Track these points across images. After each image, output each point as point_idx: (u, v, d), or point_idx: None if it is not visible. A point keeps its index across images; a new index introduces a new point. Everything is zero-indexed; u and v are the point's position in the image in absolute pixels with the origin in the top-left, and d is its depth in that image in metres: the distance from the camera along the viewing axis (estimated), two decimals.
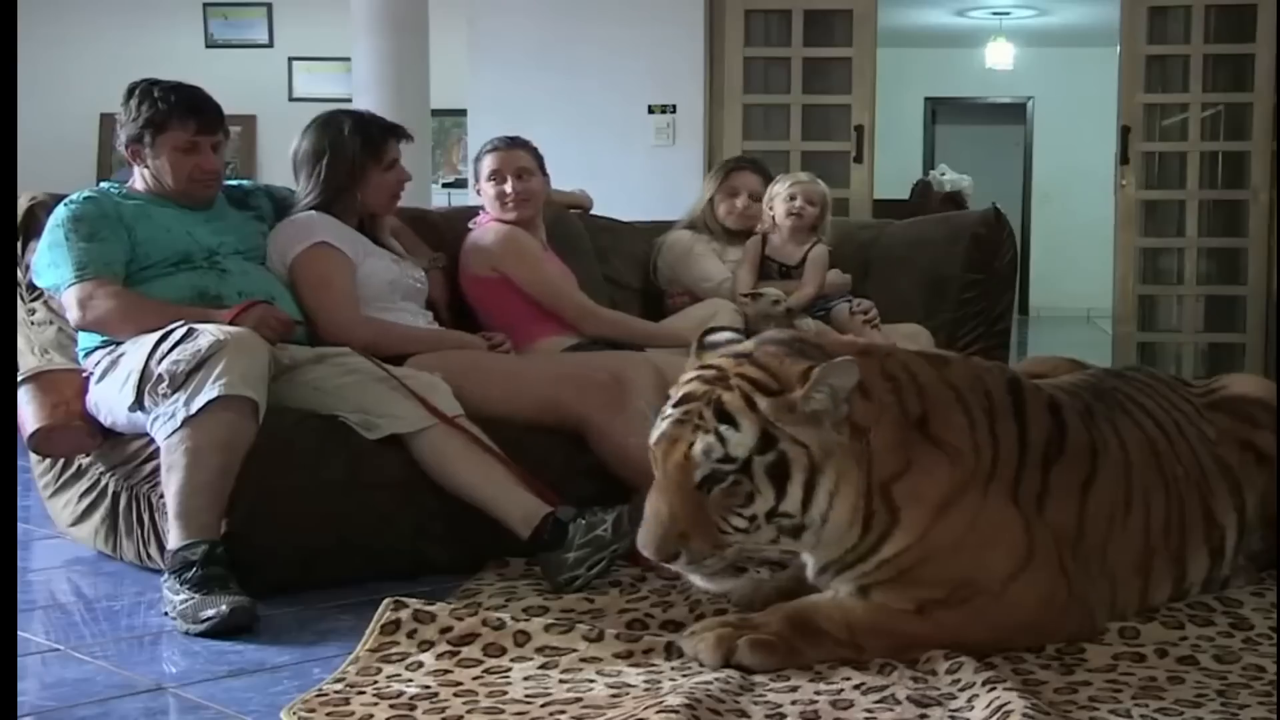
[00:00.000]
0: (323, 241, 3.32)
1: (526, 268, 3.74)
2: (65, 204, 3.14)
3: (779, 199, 4.35)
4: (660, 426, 2.25)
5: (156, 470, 2.86)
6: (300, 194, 3.43)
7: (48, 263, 3.10)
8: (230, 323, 2.92)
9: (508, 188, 3.76)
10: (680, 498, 2.19)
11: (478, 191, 3.87)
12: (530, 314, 3.72)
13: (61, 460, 3.24)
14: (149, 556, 3.02)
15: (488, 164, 3.80)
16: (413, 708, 2.09)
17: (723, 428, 2.20)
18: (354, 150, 3.39)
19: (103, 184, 3.32)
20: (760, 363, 2.27)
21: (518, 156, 3.80)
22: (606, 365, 3.38)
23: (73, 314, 3.06)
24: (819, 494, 2.22)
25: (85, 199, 3.15)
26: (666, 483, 2.22)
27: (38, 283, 3.19)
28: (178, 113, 3.16)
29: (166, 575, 2.71)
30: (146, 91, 3.18)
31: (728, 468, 2.19)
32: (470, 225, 3.87)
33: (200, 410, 2.73)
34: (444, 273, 3.77)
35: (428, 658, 2.31)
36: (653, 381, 3.31)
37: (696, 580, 2.27)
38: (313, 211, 3.38)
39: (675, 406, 2.26)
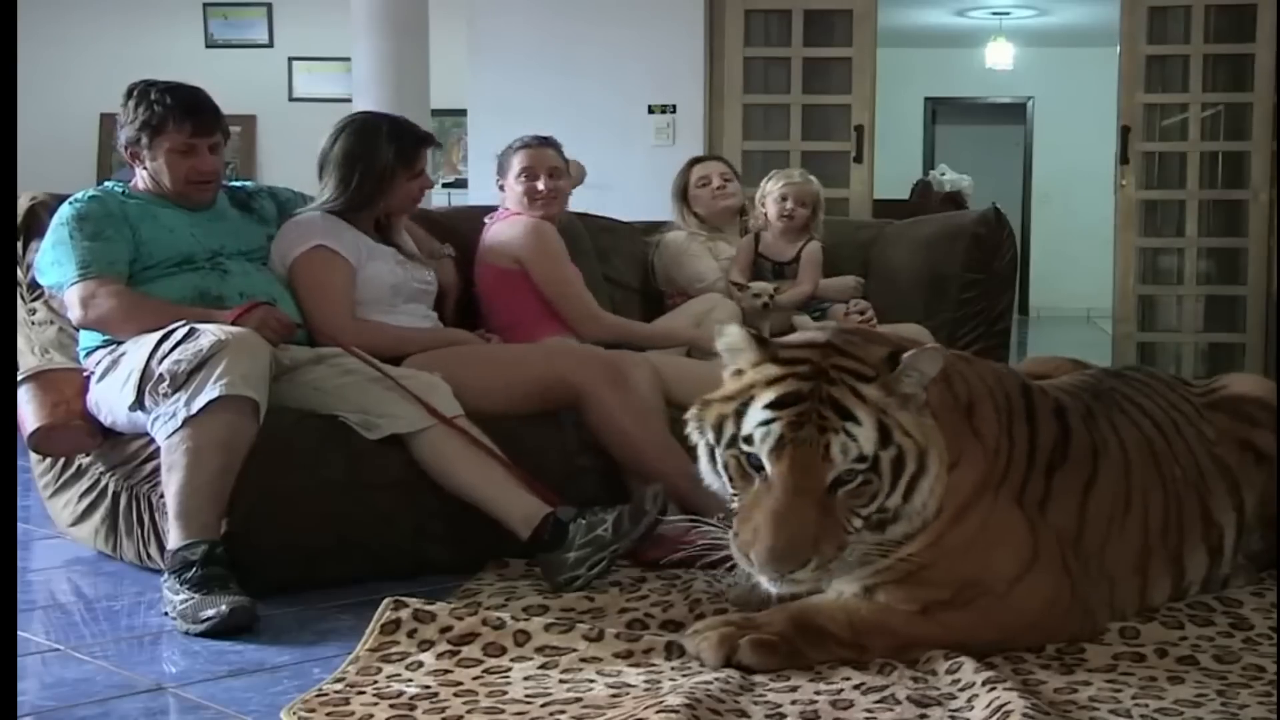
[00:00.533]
0: (321, 245, 3.31)
1: (550, 263, 3.75)
2: (70, 202, 3.14)
3: (771, 198, 4.37)
4: (771, 431, 2.14)
5: (156, 470, 2.86)
6: (323, 193, 3.42)
7: (51, 260, 3.10)
8: (232, 323, 2.92)
9: (540, 185, 3.79)
10: (813, 502, 2.12)
11: (501, 187, 3.87)
12: (538, 312, 3.73)
13: (61, 460, 3.24)
14: (149, 556, 3.02)
15: (519, 161, 3.82)
16: (413, 708, 2.09)
17: (848, 425, 2.14)
18: (388, 159, 3.38)
19: (107, 183, 3.32)
20: (845, 350, 2.23)
21: (550, 155, 3.85)
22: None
23: (75, 312, 3.06)
24: (923, 484, 2.19)
25: (90, 198, 3.15)
26: (797, 487, 2.11)
27: (41, 280, 3.18)
28: (174, 115, 3.15)
29: (166, 575, 2.71)
30: (144, 93, 3.18)
31: (860, 466, 2.14)
32: (486, 220, 3.87)
33: (201, 410, 2.73)
34: (455, 262, 3.77)
35: (428, 657, 2.31)
36: (650, 381, 3.32)
37: (784, 588, 2.18)
38: (316, 213, 3.38)
39: (776, 409, 2.15)
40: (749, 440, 2.17)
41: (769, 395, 2.18)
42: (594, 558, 2.75)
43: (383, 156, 3.38)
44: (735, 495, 2.22)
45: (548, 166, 3.81)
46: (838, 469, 2.13)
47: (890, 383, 2.18)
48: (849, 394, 2.16)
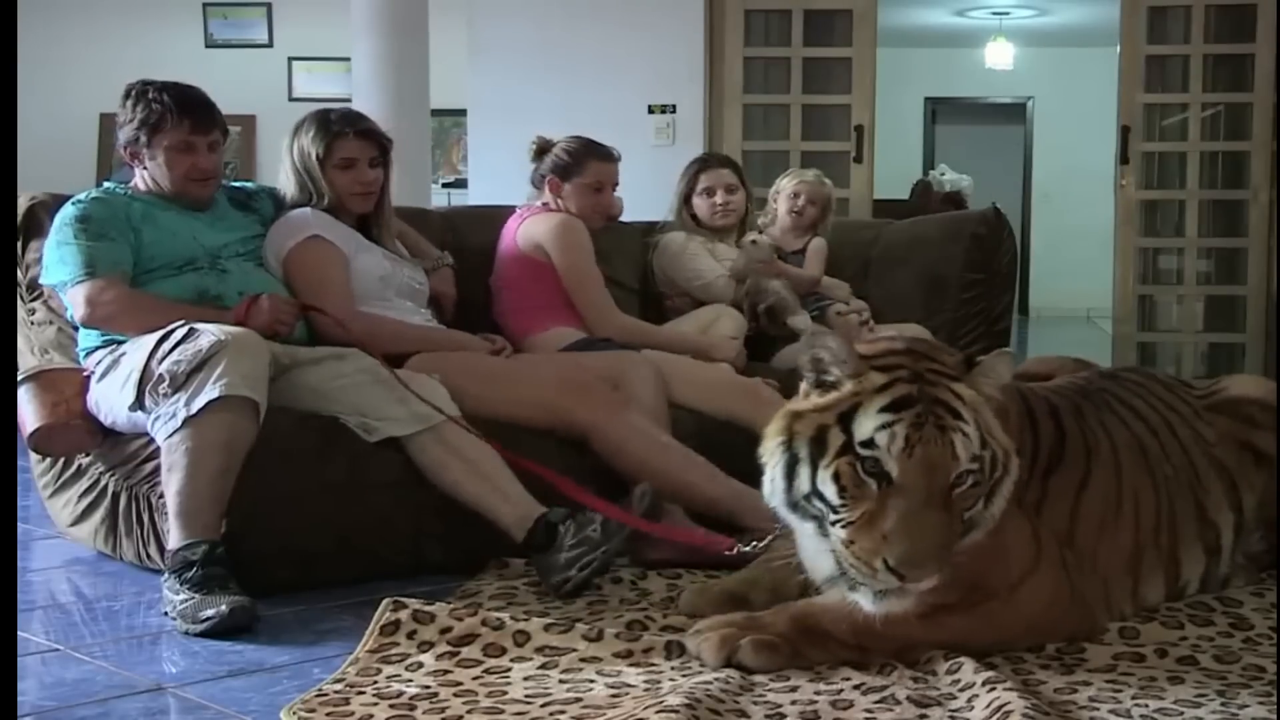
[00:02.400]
0: (316, 235, 3.33)
1: (574, 255, 3.77)
2: (73, 202, 3.14)
3: (784, 194, 4.45)
4: (896, 433, 2.08)
5: (156, 470, 2.86)
6: (286, 194, 3.46)
7: (56, 259, 3.09)
8: (243, 318, 2.97)
9: (610, 203, 3.91)
10: (942, 504, 2.09)
11: (545, 183, 3.85)
12: (552, 301, 3.75)
13: (61, 460, 3.24)
14: (149, 556, 3.02)
15: (594, 173, 3.85)
16: (413, 708, 2.09)
17: (960, 424, 2.12)
18: (306, 149, 3.40)
19: (107, 184, 3.31)
20: (927, 355, 2.23)
21: (617, 170, 3.93)
22: (605, 365, 3.38)
23: (80, 310, 3.06)
24: (1003, 489, 2.19)
25: (93, 199, 3.16)
26: (928, 489, 2.08)
27: (45, 280, 3.17)
28: (171, 112, 3.16)
29: (166, 575, 2.71)
30: (141, 93, 3.19)
31: (974, 466, 2.12)
32: (519, 212, 3.87)
33: (201, 410, 2.73)
34: (453, 270, 3.76)
35: (427, 658, 2.31)
36: (652, 381, 3.32)
37: (886, 606, 2.12)
38: (307, 209, 3.39)
39: (893, 411, 2.10)
40: (869, 444, 2.10)
41: (882, 400, 2.12)
42: (585, 558, 2.73)
43: (305, 148, 3.40)
44: (844, 506, 2.12)
45: (614, 181, 3.91)
46: (962, 466, 2.10)
47: (975, 384, 2.19)
48: (950, 395, 2.15)
